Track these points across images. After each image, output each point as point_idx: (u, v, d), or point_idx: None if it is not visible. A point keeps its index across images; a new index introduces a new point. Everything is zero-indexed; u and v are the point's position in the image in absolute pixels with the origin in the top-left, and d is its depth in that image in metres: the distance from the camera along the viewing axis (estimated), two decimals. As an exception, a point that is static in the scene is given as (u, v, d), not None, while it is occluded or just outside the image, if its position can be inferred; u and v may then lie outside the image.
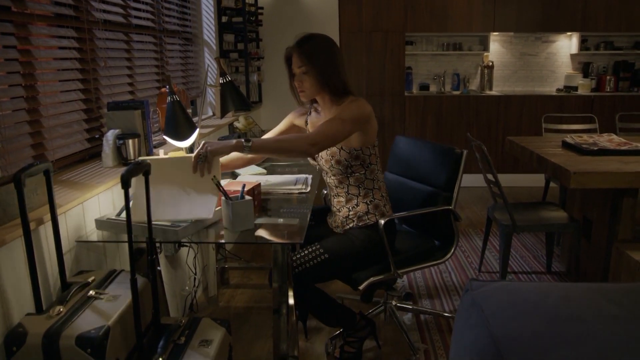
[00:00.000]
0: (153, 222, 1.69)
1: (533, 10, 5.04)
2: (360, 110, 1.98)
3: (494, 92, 5.29)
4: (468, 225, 4.10)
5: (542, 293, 1.25)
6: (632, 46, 5.36)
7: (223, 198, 1.69)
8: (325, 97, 2.07)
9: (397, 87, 5.13)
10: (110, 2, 2.54)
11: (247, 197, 1.70)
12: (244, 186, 1.73)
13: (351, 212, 2.13)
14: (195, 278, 2.71)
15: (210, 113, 3.94)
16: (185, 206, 1.73)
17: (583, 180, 2.40)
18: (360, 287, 2.12)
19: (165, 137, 1.87)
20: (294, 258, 2.02)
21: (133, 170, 1.35)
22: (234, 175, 2.48)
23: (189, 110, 3.05)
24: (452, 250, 2.31)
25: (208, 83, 3.83)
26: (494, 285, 1.32)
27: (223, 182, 2.23)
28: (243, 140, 1.80)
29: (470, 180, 5.03)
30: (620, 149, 2.76)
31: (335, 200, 2.18)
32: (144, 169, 1.43)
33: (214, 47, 3.92)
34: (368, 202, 2.11)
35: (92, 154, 2.35)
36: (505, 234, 2.76)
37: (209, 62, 3.95)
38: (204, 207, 1.73)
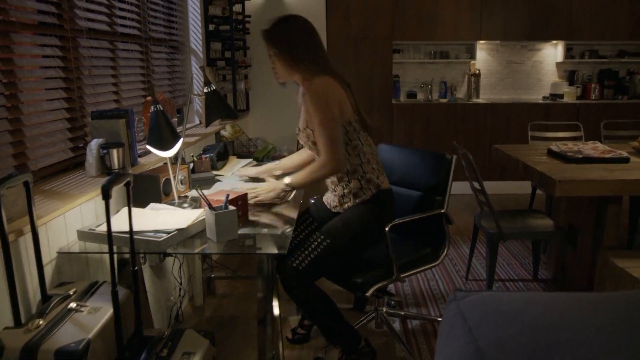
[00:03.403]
0: (136, 233, 1.68)
1: (519, 19, 5.09)
2: (324, 99, 1.98)
3: (481, 100, 5.33)
4: (455, 233, 4.11)
5: (527, 302, 1.25)
6: (616, 55, 5.43)
7: (207, 208, 1.68)
8: (298, 78, 2.11)
9: (384, 95, 5.15)
10: (96, 11, 2.53)
11: (231, 207, 1.69)
12: (227, 196, 1.72)
13: (346, 190, 2.13)
14: (180, 288, 2.68)
15: (197, 121, 3.92)
16: (167, 216, 1.72)
17: (568, 189, 2.42)
18: (368, 294, 2.14)
19: (148, 146, 1.85)
20: (296, 255, 2.04)
21: (114, 181, 1.33)
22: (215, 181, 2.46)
23: (175, 119, 3.03)
24: (445, 252, 2.37)
25: (195, 92, 3.81)
26: (478, 295, 1.32)
27: (211, 191, 2.22)
28: (285, 183, 2.11)
29: (458, 187, 5.04)
30: (605, 157, 2.78)
31: (329, 180, 2.20)
32: (126, 180, 1.41)
33: (201, 55, 3.91)
34: (359, 177, 2.10)
35: (76, 163, 2.32)
36: (492, 241, 2.76)
37: (196, 71, 3.94)
38: (183, 217, 1.71)
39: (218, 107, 2.05)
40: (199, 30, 3.90)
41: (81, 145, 2.36)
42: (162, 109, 1.80)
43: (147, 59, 3.15)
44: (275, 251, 1.62)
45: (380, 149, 2.67)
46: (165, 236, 1.64)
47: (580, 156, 2.79)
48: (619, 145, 3.33)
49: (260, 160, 3.37)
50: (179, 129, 2.62)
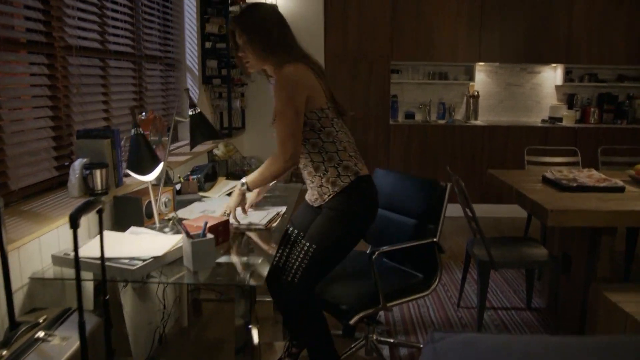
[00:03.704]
0: (111, 260, 1.64)
1: (517, 41, 5.08)
2: (290, 88, 1.92)
3: (479, 122, 5.30)
4: (449, 257, 4.05)
5: (504, 348, 1.20)
6: (616, 79, 5.41)
7: (183, 235, 1.64)
8: (270, 66, 2.05)
9: (381, 115, 5.12)
10: (87, 28, 2.51)
11: (209, 235, 1.65)
12: (205, 224, 1.68)
13: (323, 180, 2.05)
14: (164, 311, 2.63)
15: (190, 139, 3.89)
16: (145, 241, 1.68)
17: (561, 219, 2.37)
18: (351, 322, 2.09)
19: (127, 170, 1.82)
20: (287, 268, 2.01)
21: (83, 210, 1.29)
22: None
23: (167, 138, 3.00)
24: (436, 282, 2.32)
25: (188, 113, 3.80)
26: (456, 337, 1.27)
27: (194, 214, 2.18)
28: (240, 183, 2.05)
29: (454, 210, 4.98)
30: (599, 186, 2.73)
31: (305, 172, 2.13)
32: (97, 207, 1.37)
33: (197, 72, 3.90)
34: (335, 165, 2.02)
35: (60, 182, 2.28)
36: (483, 270, 2.71)
37: (191, 87, 3.92)
38: (161, 243, 1.67)
39: (202, 130, 2.02)
40: (195, 47, 3.89)
41: (67, 163, 2.33)
42: (142, 132, 1.76)
43: (140, 77, 3.13)
44: (252, 283, 1.58)
45: (376, 174, 2.63)
46: (139, 264, 1.59)
47: (574, 184, 2.75)
48: (616, 172, 3.29)
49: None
50: (170, 147, 2.61)
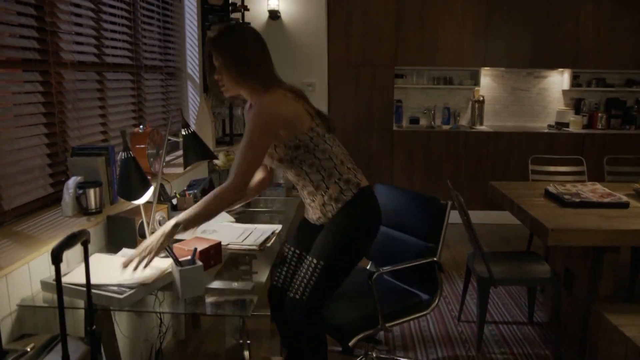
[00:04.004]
0: (98, 287, 1.62)
1: (524, 46, 5.01)
2: (267, 119, 1.84)
3: (484, 127, 5.24)
4: (451, 267, 4.01)
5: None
6: (624, 83, 5.32)
7: (172, 262, 1.62)
8: (245, 91, 1.96)
9: (385, 122, 5.08)
10: (83, 43, 2.50)
11: (198, 263, 1.63)
12: (195, 250, 1.66)
13: (325, 197, 1.99)
14: (160, 325, 2.62)
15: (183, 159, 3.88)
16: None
17: (561, 238, 2.33)
18: (350, 344, 2.07)
19: (118, 196, 1.80)
20: (294, 286, 1.97)
21: (65, 245, 1.27)
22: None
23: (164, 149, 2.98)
24: (436, 302, 2.29)
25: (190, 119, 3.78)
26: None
27: (186, 234, 2.15)
28: (172, 225, 1.71)
29: (457, 216, 4.94)
30: (603, 202, 2.68)
31: (305, 192, 2.06)
32: (82, 239, 1.36)
33: (198, 80, 3.88)
34: (336, 180, 1.97)
35: (55, 199, 2.27)
36: (483, 287, 2.67)
37: (192, 95, 3.91)
38: (151, 269, 1.66)
39: (196, 150, 1.99)
40: (196, 55, 3.87)
41: (63, 179, 2.32)
42: (131, 155, 1.75)
43: (139, 87, 3.12)
44: (238, 313, 1.56)
45: (376, 190, 2.59)
46: (128, 292, 1.58)
47: (577, 200, 2.70)
48: (621, 185, 3.24)
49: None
50: (172, 156, 2.60)
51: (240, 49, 1.88)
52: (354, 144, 5.09)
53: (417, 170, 5.09)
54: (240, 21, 4.31)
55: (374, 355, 2.60)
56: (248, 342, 2.59)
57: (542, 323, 3.09)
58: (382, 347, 2.83)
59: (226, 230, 2.27)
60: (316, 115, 1.97)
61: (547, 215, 2.52)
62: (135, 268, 1.64)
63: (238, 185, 1.81)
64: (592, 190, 2.89)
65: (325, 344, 2.05)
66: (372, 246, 2.44)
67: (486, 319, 3.11)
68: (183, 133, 1.98)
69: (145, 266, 1.65)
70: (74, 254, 1.96)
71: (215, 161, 3.54)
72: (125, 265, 1.65)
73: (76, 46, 2.43)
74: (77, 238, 1.34)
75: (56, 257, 1.25)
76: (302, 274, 1.98)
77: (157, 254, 1.68)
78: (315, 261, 1.96)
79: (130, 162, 1.74)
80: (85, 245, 1.40)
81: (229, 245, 2.09)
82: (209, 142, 3.70)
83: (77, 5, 2.46)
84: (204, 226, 2.32)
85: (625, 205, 2.67)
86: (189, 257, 1.66)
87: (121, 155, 1.76)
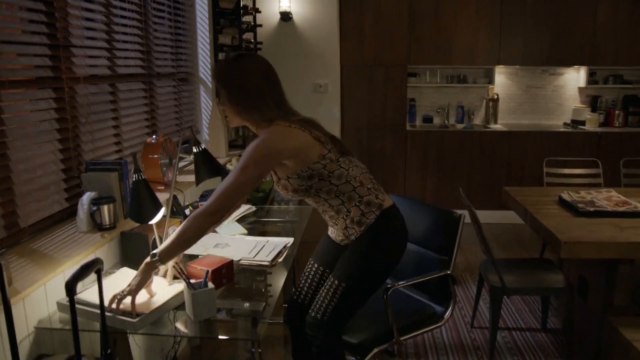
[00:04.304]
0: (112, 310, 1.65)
1: (539, 44, 4.94)
2: (263, 152, 1.77)
3: (498, 126, 5.19)
4: (465, 270, 4.00)
5: None
6: (642, 80, 5.22)
7: (185, 285, 1.64)
8: (248, 124, 1.91)
9: (398, 122, 5.06)
10: (95, 56, 2.52)
11: (210, 285, 1.64)
12: (207, 272, 1.68)
13: (347, 221, 1.94)
14: (175, 336, 2.65)
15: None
16: (144, 293, 1.69)
17: (574, 250, 2.31)
18: (366, 359, 2.09)
19: (129, 218, 1.83)
20: (315, 306, 1.97)
21: (78, 277, 1.30)
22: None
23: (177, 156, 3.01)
24: (449, 314, 2.28)
25: (203, 123, 3.79)
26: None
27: (200, 249, 2.17)
28: (149, 258, 1.71)
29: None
30: (618, 211, 2.65)
31: (327, 216, 2.03)
32: (95, 269, 1.38)
33: (210, 85, 3.89)
34: (356, 203, 1.91)
35: (71, 212, 2.30)
36: (495, 297, 2.66)
37: (204, 99, 3.93)
38: (162, 291, 1.68)
39: (207, 167, 2.01)
40: (208, 60, 3.88)
41: (79, 192, 2.34)
42: (143, 177, 1.76)
43: (152, 96, 3.14)
44: (250, 337, 1.58)
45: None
46: (141, 316, 1.60)
47: (591, 209, 2.67)
48: (638, 191, 3.19)
49: (267, 193, 3.34)
50: (183, 162, 2.56)
51: (241, 82, 1.82)
52: (367, 145, 5.08)
53: (430, 171, 5.07)
54: (250, 49, 4.28)
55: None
56: (259, 350, 2.62)
57: (556, 330, 3.08)
58: (396, 359, 2.83)
59: (239, 244, 2.28)
60: (329, 140, 1.89)
61: (560, 226, 2.50)
62: (117, 307, 1.65)
63: (213, 210, 1.73)
64: (607, 198, 2.85)
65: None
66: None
67: (499, 326, 3.10)
68: (194, 150, 2.00)
69: (132, 303, 1.65)
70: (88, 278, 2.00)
71: (229, 166, 3.56)
72: (110, 304, 1.66)
73: (89, 60, 2.45)
74: (90, 268, 1.36)
75: (70, 290, 1.28)
76: (324, 294, 1.97)
77: (136, 292, 1.66)
78: (337, 282, 1.94)
79: (140, 185, 1.76)
80: (98, 273, 1.42)
81: (241, 261, 2.10)
82: (222, 146, 3.72)
83: (90, 19, 2.48)
84: (217, 240, 2.35)
85: (640, 215, 2.63)
86: (202, 280, 1.68)
87: (133, 177, 1.77)
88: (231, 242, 2.30)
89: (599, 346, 2.52)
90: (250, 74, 1.83)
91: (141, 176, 1.77)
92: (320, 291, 2.00)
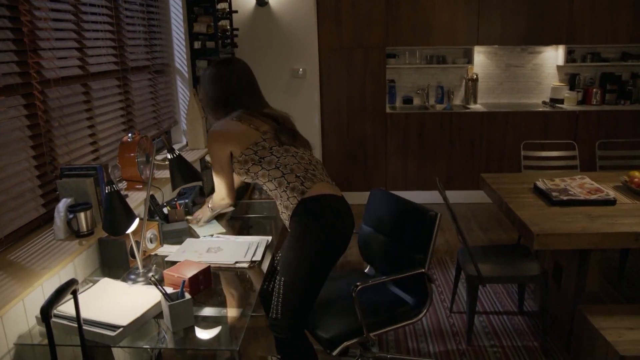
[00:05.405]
0: (89, 323, 1.67)
1: (518, 23, 4.93)
2: (211, 140, 2.12)
3: (478, 106, 5.22)
4: (445, 252, 4.07)
5: None
6: (619, 57, 5.26)
7: (162, 297, 1.66)
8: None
9: (378, 105, 5.05)
10: (66, 57, 2.47)
11: (187, 296, 1.67)
12: (183, 282, 1.70)
13: (282, 206, 2.10)
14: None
15: (184, 142, 3.89)
16: (123, 300, 1.71)
17: (546, 242, 2.37)
18: (334, 353, 2.12)
19: (104, 230, 1.83)
20: (272, 307, 2.05)
21: (53, 302, 1.31)
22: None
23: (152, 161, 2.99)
24: (425, 312, 2.29)
25: (182, 114, 3.76)
26: None
27: (178, 252, 2.17)
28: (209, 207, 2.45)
29: (454, 196, 4.99)
30: (590, 199, 2.71)
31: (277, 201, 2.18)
32: (70, 290, 1.39)
33: (186, 75, 3.84)
34: (285, 188, 2.06)
35: (48, 218, 2.30)
36: (472, 286, 2.73)
37: (182, 89, 3.89)
38: (140, 301, 1.71)
39: (182, 173, 2.01)
40: (184, 49, 3.83)
41: (55, 198, 2.33)
42: (115, 188, 1.76)
43: (127, 91, 3.10)
44: (227, 346, 1.61)
45: (372, 195, 2.58)
46: (119, 330, 1.62)
47: (564, 198, 2.73)
48: (611, 175, 3.26)
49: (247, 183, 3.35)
50: (160, 155, 2.55)
51: (208, 82, 2.17)
52: (347, 129, 5.08)
53: (411, 153, 5.10)
54: (230, 55, 4.23)
55: (370, 356, 2.65)
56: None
57: (532, 312, 3.17)
58: (375, 351, 2.87)
59: (231, 247, 2.26)
60: (271, 131, 2.11)
61: (534, 217, 2.55)
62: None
63: (220, 198, 2.26)
64: (580, 185, 2.91)
65: (314, 354, 2.12)
66: (366, 248, 2.48)
67: (477, 309, 3.19)
68: (169, 157, 1.99)
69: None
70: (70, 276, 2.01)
71: (207, 157, 3.55)
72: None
73: (58, 62, 2.40)
74: (66, 291, 1.37)
75: (46, 315, 1.29)
76: (275, 292, 2.03)
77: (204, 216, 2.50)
78: (278, 278, 2.02)
79: (113, 196, 1.76)
80: (74, 294, 1.44)
81: (237, 264, 2.10)
82: (200, 137, 3.70)
83: (57, 20, 2.42)
84: (210, 244, 2.32)
85: (612, 203, 2.70)
86: (178, 290, 1.70)
87: (106, 189, 1.77)
88: (223, 246, 2.29)
89: (571, 331, 2.61)
90: (218, 76, 2.16)
91: (113, 188, 1.76)
92: (274, 288, 2.07)
